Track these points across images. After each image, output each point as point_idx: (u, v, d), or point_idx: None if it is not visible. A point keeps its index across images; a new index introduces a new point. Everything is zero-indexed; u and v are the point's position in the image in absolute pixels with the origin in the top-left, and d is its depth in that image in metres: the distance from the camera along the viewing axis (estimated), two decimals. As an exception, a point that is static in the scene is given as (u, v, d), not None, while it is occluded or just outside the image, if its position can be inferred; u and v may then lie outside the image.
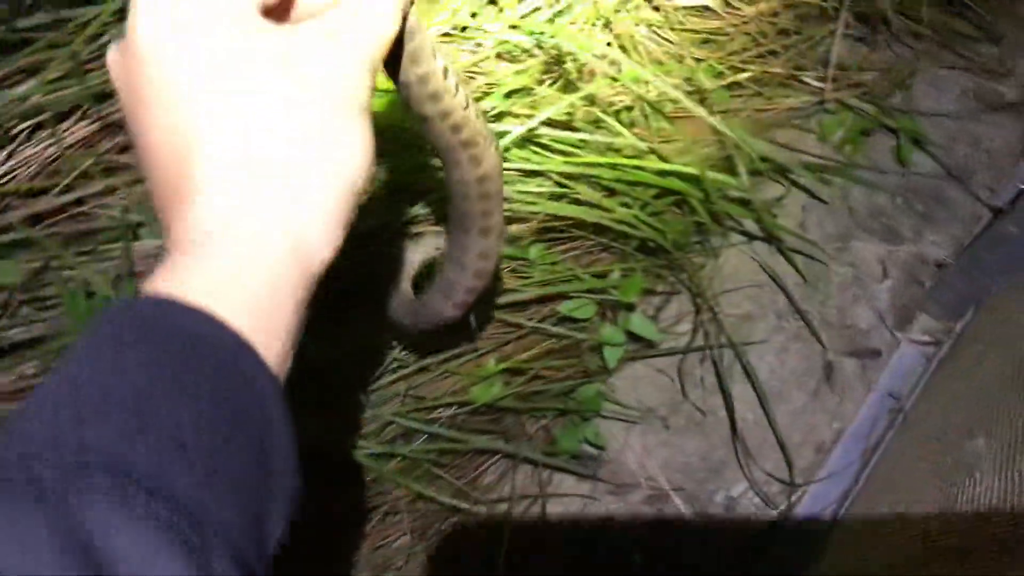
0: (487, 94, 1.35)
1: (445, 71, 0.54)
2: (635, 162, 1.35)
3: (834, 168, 1.78)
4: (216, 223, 0.37)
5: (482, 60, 1.43)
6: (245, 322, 0.36)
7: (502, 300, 1.40)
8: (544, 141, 1.37)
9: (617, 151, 1.40)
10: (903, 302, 1.75)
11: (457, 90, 0.56)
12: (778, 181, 1.78)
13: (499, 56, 1.45)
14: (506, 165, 1.32)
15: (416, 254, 1.13)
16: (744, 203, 1.66)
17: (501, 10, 1.44)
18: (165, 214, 0.40)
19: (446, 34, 1.45)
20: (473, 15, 1.46)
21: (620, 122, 1.41)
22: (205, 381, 0.34)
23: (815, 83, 1.76)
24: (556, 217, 1.40)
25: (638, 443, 1.64)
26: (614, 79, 1.46)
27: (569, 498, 1.57)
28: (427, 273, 1.12)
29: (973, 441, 1.28)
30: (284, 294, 0.38)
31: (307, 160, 0.39)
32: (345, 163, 0.40)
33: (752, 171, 1.70)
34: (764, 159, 1.65)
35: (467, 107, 0.57)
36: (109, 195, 1.27)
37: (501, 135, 1.30)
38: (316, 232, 0.39)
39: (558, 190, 1.36)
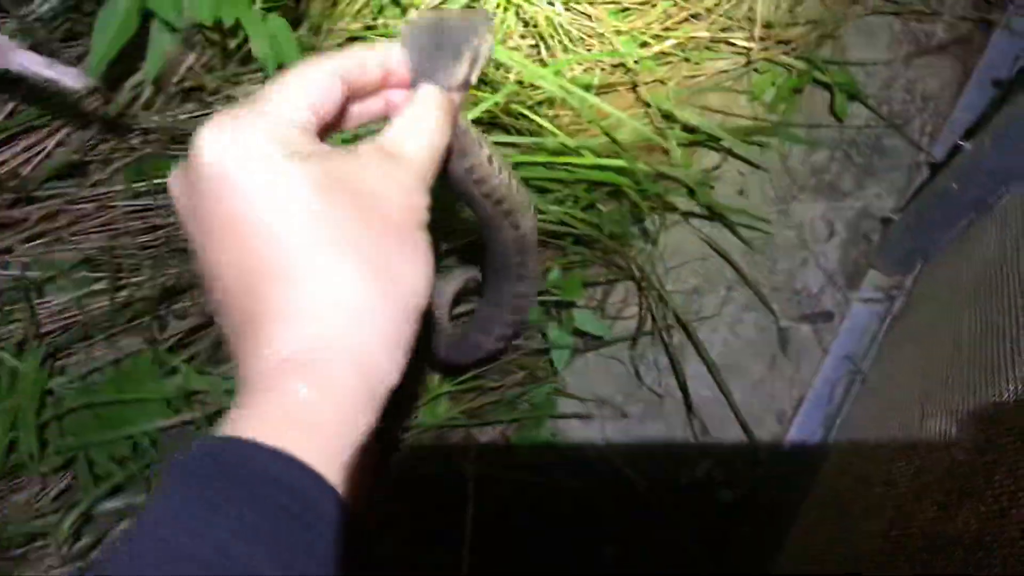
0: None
1: (490, 158, 0.54)
2: (562, 159, 1.29)
3: (769, 129, 1.73)
4: (289, 352, 0.38)
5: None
6: (322, 459, 0.36)
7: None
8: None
9: (544, 149, 1.33)
10: (851, 260, 1.71)
11: (500, 172, 0.56)
12: (714, 148, 1.72)
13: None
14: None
15: (449, 287, 1.21)
16: (679, 179, 1.61)
17: (405, 10, 1.36)
18: (236, 339, 0.41)
19: (351, 38, 1.37)
20: (377, 14, 1.38)
21: (543, 115, 1.34)
22: (291, 531, 0.33)
23: (742, 43, 1.69)
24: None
25: (598, 435, 1.60)
26: (539, 67, 1.39)
27: (532, 499, 1.53)
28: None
29: (926, 406, 1.26)
30: (356, 423, 0.38)
31: (373, 287, 0.39)
32: (408, 286, 0.41)
33: (686, 143, 1.64)
34: (695, 130, 1.60)
35: (509, 183, 0.57)
36: (6, 254, 1.19)
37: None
38: (383, 358, 0.40)
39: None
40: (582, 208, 1.40)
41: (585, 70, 1.66)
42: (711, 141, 1.68)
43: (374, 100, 0.49)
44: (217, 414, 1.20)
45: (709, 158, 1.73)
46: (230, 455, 0.35)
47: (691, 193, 1.63)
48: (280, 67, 1.15)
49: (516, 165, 1.31)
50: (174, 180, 0.43)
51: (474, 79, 0.47)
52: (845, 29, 1.78)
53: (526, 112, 1.32)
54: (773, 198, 1.73)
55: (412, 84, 0.47)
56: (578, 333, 1.48)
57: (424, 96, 0.45)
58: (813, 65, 1.69)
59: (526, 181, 1.33)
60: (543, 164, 1.30)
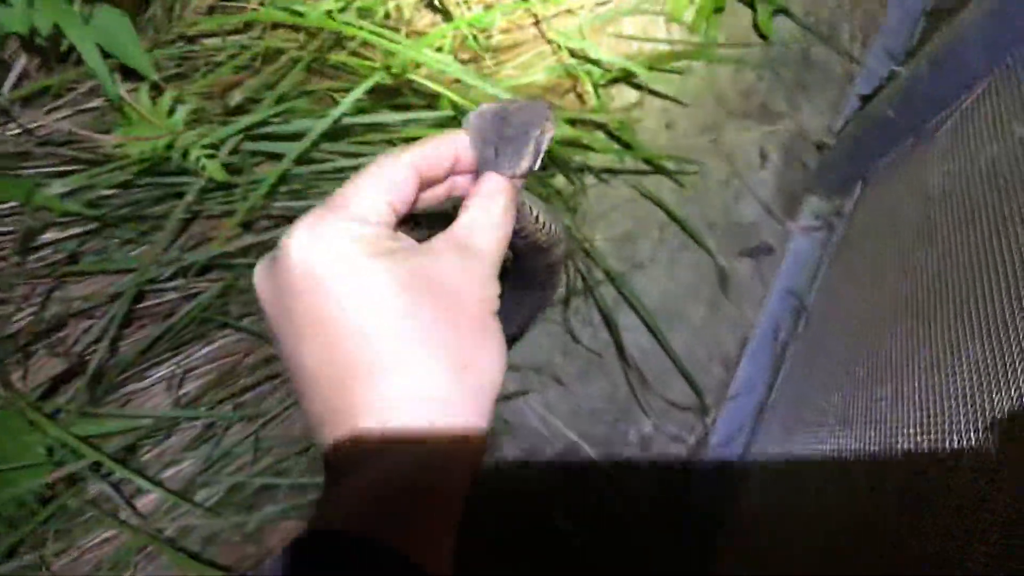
0: (274, 84, 1.13)
1: (537, 217, 0.55)
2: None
3: (692, 52, 1.60)
4: (379, 444, 0.39)
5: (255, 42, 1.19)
6: (424, 551, 0.37)
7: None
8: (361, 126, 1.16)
9: (439, 122, 1.19)
10: (788, 187, 1.61)
11: (545, 225, 0.56)
12: (633, 86, 1.59)
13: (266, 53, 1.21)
14: (319, 168, 1.13)
15: None
16: (596, 123, 1.48)
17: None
18: (322, 428, 0.41)
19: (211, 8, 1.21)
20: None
21: (437, 79, 1.20)
22: None
23: (654, -38, 1.55)
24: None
25: (538, 403, 1.52)
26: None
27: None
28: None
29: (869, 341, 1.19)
30: (454, 508, 0.40)
31: (461, 380, 0.40)
32: (489, 375, 0.42)
33: (603, 82, 1.51)
34: (606, 68, 1.46)
35: (550, 229, 0.57)
36: None
37: (302, 133, 1.08)
38: (473, 440, 0.41)
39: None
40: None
41: (486, 8, 1.51)
42: (629, 76, 1.55)
43: (440, 185, 0.50)
44: (98, 466, 1.09)
45: (629, 94, 1.61)
46: (323, 547, 0.36)
47: (612, 137, 1.51)
48: (120, 66, 1.01)
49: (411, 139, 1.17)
50: (260, 275, 0.43)
51: (536, 167, 0.49)
52: (763, -65, 1.63)
53: (418, 79, 1.17)
54: (702, 127, 1.62)
55: (477, 171, 0.49)
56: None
57: (492, 186, 0.47)
58: (732, -21, 1.55)
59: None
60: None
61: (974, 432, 0.81)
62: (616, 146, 1.49)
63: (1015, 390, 0.76)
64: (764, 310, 1.56)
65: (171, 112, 0.97)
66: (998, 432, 0.77)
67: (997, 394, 0.79)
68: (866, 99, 1.52)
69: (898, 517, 0.90)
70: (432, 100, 1.24)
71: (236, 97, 1.06)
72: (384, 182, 0.44)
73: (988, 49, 0.99)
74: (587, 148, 1.42)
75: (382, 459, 0.39)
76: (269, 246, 0.43)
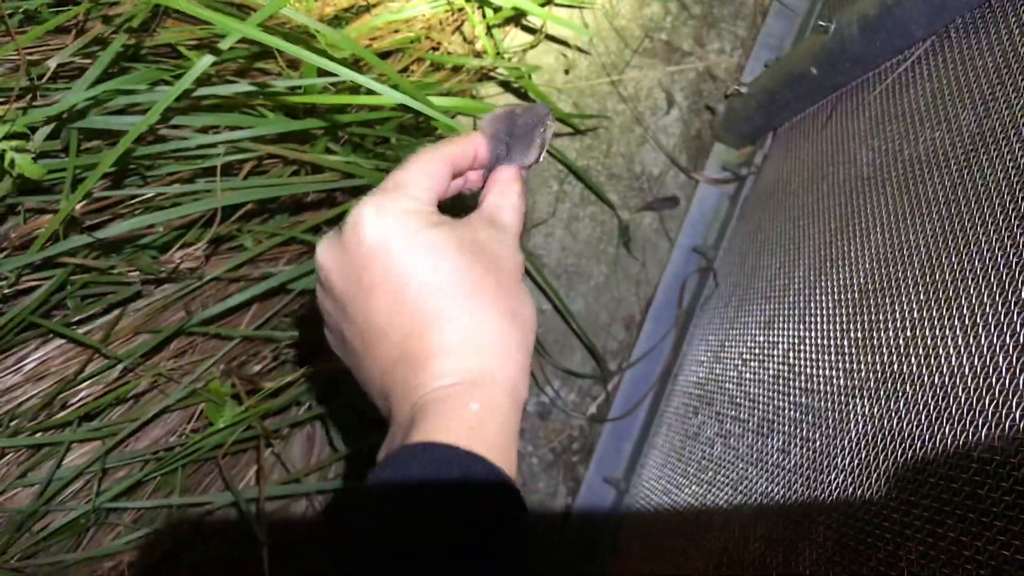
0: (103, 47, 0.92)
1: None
2: (333, 99, 0.97)
3: (591, -17, 1.44)
4: (458, 379, 0.47)
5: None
6: (497, 458, 0.44)
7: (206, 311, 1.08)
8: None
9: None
10: (694, 133, 1.49)
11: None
12: (528, 26, 1.43)
13: None
14: (172, 147, 0.94)
15: None
16: (488, 73, 1.33)
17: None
18: (396, 372, 0.49)
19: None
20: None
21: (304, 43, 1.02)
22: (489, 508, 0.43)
23: None
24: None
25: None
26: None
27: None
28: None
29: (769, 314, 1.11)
30: (513, 433, 0.47)
31: (511, 327, 0.49)
32: (527, 322, 0.51)
33: (495, 23, 1.34)
34: (496, 7, 1.29)
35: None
36: None
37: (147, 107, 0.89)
38: (521, 384, 0.49)
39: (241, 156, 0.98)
40: (373, 145, 1.11)
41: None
42: (521, 15, 1.38)
43: (459, 178, 0.60)
44: None
45: (522, 36, 1.44)
46: (433, 453, 0.43)
47: (505, 87, 1.35)
48: None
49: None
50: (327, 250, 0.53)
51: (541, 159, 0.61)
52: None
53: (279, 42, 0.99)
54: (603, 66, 1.47)
55: (491, 165, 0.60)
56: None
57: (509, 176, 0.58)
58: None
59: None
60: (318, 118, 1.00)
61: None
62: (511, 95, 1.34)
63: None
64: (668, 268, 1.46)
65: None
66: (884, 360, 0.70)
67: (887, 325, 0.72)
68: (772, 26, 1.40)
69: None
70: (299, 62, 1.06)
71: (50, 66, 0.86)
72: (429, 170, 0.53)
73: (931, 17, 0.88)
74: (477, 102, 1.26)
75: (463, 394, 0.46)
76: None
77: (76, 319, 0.99)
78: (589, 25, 1.46)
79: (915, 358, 0.77)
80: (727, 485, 1.09)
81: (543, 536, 1.46)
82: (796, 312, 1.08)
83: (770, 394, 1.06)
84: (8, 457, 0.97)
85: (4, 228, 0.93)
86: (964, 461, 0.64)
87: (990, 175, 0.74)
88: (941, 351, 0.73)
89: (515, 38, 1.43)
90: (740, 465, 1.07)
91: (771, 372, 1.09)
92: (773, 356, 1.10)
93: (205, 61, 0.80)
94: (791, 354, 1.04)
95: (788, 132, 1.33)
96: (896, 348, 0.82)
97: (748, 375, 1.16)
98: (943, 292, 0.76)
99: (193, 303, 1.07)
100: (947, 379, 0.70)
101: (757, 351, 1.15)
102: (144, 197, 0.97)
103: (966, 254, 0.74)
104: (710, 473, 1.15)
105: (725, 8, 1.51)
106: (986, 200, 0.74)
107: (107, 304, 1.01)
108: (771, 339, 1.12)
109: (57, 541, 1.01)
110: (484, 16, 1.31)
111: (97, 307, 1.00)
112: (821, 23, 1.03)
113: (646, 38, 1.49)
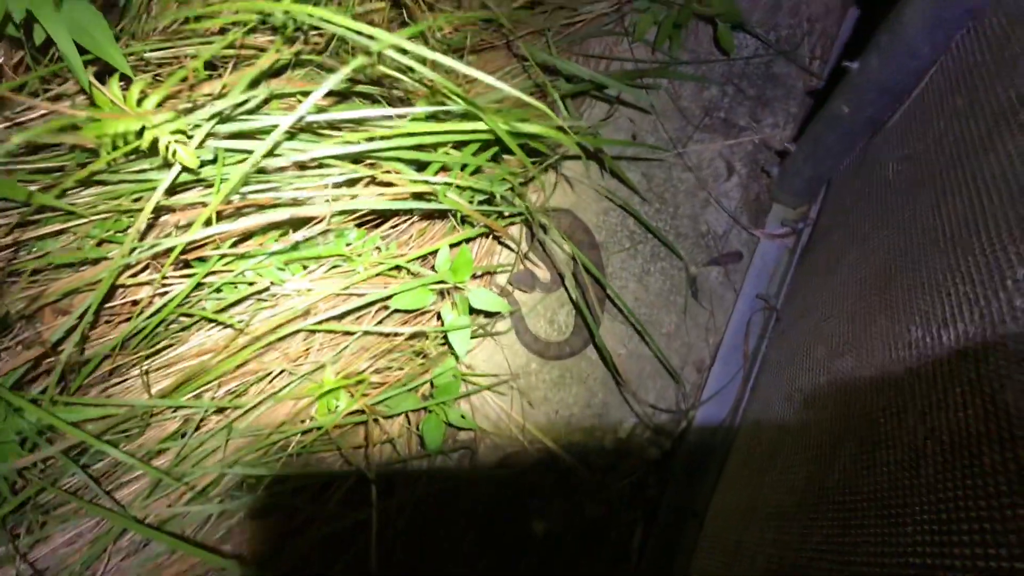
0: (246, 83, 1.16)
1: None
2: (437, 126, 1.17)
3: (657, 70, 1.65)
4: None
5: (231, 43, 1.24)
6: None
7: (331, 310, 1.25)
8: (323, 128, 1.20)
9: (416, 119, 1.23)
10: (753, 196, 1.66)
11: None
12: (600, 98, 1.65)
13: (243, 45, 1.26)
14: (279, 163, 1.15)
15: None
16: (567, 132, 1.53)
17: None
18: None
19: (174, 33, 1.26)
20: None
21: (414, 77, 1.24)
22: None
23: (616, -17, 1.61)
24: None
25: (515, 408, 1.54)
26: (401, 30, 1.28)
27: (454, 483, 1.46)
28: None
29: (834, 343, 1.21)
30: None
31: None
32: None
33: (571, 94, 1.56)
34: (578, 79, 1.51)
35: None
36: None
37: (271, 128, 1.11)
38: None
39: (356, 174, 1.18)
40: (470, 174, 1.30)
41: (455, 30, 1.57)
42: (596, 90, 1.60)
43: None
44: (78, 447, 1.10)
45: (598, 108, 1.66)
46: None
47: (582, 148, 1.55)
48: (94, 60, 1.05)
49: (383, 139, 1.21)
50: None
51: None
52: (721, -43, 1.71)
53: (393, 73, 1.21)
54: (668, 141, 1.67)
55: None
56: (476, 311, 1.38)
57: None
58: (693, -2, 1.61)
59: (395, 153, 1.24)
60: (410, 133, 1.20)
61: (926, 381, 0.84)
62: (586, 158, 1.53)
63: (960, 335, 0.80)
64: (735, 314, 1.59)
65: (141, 101, 1.00)
66: (943, 379, 0.80)
67: (946, 339, 0.82)
68: (820, 98, 1.58)
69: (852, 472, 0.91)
70: (402, 95, 1.28)
71: (204, 90, 1.09)
72: None
73: (932, 32, 1.04)
74: (556, 153, 1.46)
75: None
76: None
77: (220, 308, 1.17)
78: (655, 104, 1.67)
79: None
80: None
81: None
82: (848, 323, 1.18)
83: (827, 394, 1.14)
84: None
85: (165, 220, 1.13)
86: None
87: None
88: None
89: (592, 109, 1.64)
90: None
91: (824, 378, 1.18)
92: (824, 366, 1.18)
93: (319, 92, 1.02)
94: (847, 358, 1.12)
95: (837, 180, 1.48)
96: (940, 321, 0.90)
97: (806, 384, 1.25)
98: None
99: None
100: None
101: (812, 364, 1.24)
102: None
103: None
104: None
105: (778, 90, 1.70)
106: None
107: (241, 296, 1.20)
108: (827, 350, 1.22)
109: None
110: (561, 90, 1.53)
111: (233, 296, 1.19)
112: (845, 63, 1.21)
113: (706, 116, 1.69)
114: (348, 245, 1.28)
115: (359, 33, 0.88)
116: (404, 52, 0.93)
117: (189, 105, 1.05)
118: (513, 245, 1.51)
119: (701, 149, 1.67)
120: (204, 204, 1.10)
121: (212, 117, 1.00)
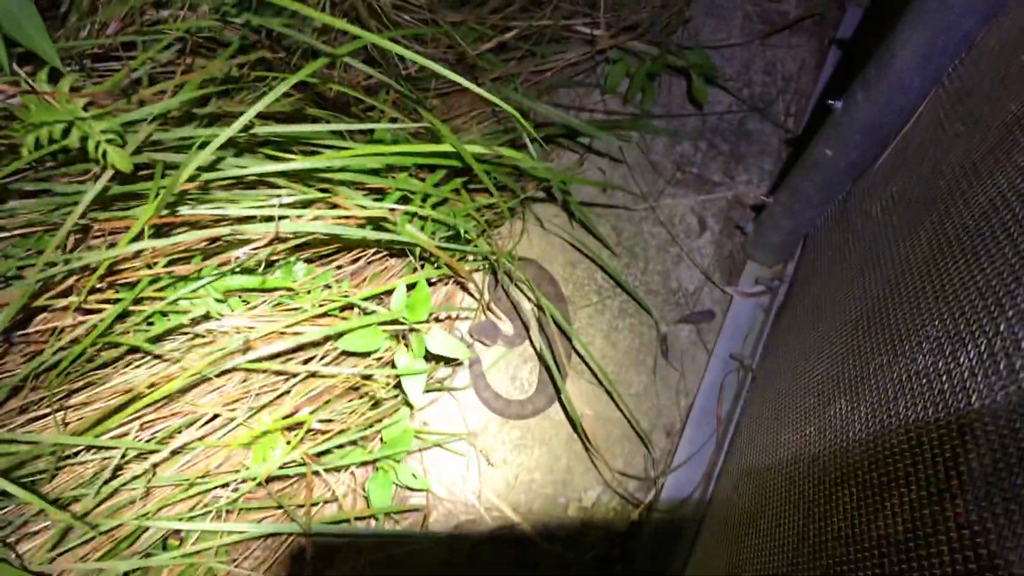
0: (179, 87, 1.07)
1: None
2: (396, 148, 1.08)
3: (629, 123, 1.60)
4: None
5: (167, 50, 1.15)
6: None
7: (269, 348, 1.14)
8: (268, 147, 1.11)
9: (379, 140, 1.15)
10: (727, 253, 1.59)
11: None
12: (571, 149, 1.59)
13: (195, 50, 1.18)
14: (224, 174, 1.06)
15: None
16: (537, 177, 1.46)
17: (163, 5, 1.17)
18: None
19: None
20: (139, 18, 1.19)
21: (380, 99, 1.16)
22: None
23: (588, 31, 1.57)
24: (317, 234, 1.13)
25: (471, 471, 1.41)
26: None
27: (403, 552, 1.33)
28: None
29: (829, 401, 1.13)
30: None
31: None
32: None
33: (543, 138, 1.50)
34: (549, 125, 1.45)
35: None
36: None
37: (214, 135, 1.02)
38: None
39: (305, 195, 1.08)
40: (432, 206, 1.21)
41: (420, 69, 1.50)
42: (566, 138, 1.54)
43: None
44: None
45: (567, 158, 1.60)
46: None
47: (550, 196, 1.48)
48: (22, 51, 0.95)
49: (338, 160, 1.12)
50: None
51: None
52: (694, 10, 1.68)
53: (350, 91, 1.13)
54: (640, 195, 1.60)
55: None
56: (432, 357, 1.27)
57: None
58: (666, 49, 1.57)
59: (355, 178, 1.15)
60: (374, 154, 1.11)
61: (925, 423, 0.75)
62: (556, 207, 1.46)
63: (962, 377, 0.71)
64: (707, 376, 1.50)
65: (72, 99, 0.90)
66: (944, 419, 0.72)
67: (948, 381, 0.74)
68: (797, 147, 1.53)
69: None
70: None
71: (144, 94, 1.00)
72: None
73: (923, 63, 0.99)
74: (525, 198, 1.38)
75: None
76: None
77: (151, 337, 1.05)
78: (626, 157, 1.61)
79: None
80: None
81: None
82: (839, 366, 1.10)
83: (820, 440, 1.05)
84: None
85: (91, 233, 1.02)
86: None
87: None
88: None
89: (560, 158, 1.57)
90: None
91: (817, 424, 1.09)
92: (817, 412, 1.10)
93: (265, 101, 0.93)
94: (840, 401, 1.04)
95: (814, 234, 1.41)
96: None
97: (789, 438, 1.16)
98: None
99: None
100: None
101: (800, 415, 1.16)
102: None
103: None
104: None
105: (752, 146, 1.66)
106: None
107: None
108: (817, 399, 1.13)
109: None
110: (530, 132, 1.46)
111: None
112: (829, 102, 1.15)
113: (678, 171, 1.63)
114: (295, 281, 1.18)
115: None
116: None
117: (129, 107, 0.95)
118: (476, 292, 1.41)
119: (673, 204, 1.61)
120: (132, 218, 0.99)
121: (152, 120, 0.91)
